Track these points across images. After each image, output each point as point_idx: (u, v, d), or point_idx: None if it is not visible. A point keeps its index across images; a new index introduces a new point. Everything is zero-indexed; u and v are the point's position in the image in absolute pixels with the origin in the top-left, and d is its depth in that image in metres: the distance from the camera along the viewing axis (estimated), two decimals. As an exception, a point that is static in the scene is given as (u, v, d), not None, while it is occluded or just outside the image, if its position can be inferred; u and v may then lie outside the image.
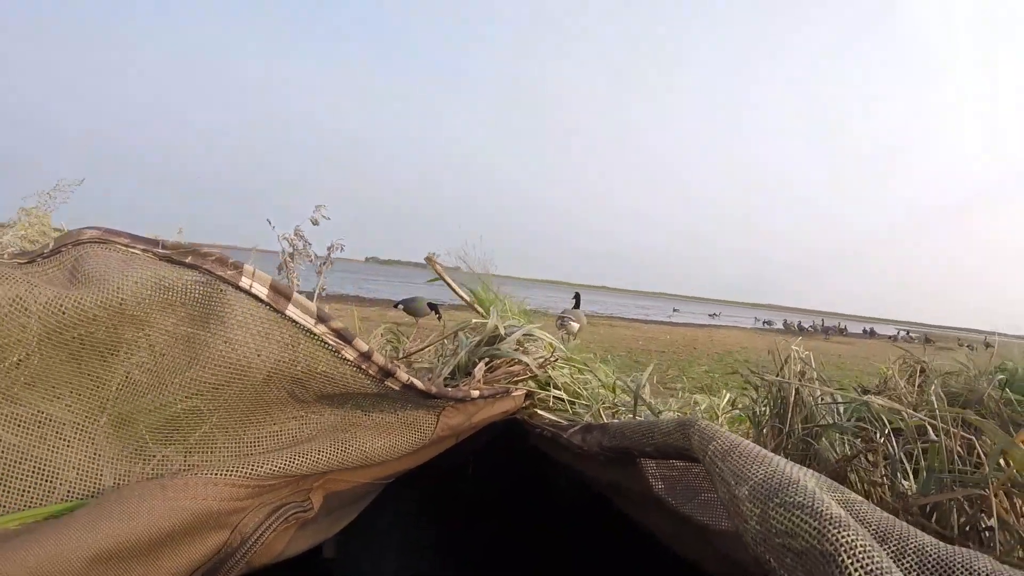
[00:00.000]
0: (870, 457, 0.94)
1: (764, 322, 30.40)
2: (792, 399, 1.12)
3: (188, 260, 0.84)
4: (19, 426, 0.76)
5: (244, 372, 0.85)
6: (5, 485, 0.74)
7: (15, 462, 0.75)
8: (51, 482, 0.76)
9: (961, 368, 1.73)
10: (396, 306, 10.30)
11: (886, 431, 0.98)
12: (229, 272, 0.84)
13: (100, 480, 0.80)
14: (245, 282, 0.84)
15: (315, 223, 1.66)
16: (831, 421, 1.09)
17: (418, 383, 0.97)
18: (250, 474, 0.84)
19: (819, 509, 0.51)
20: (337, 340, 0.89)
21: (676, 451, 0.83)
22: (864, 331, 28.93)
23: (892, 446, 0.95)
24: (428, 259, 1.74)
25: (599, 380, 1.50)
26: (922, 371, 1.96)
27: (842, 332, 25.69)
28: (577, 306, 8.12)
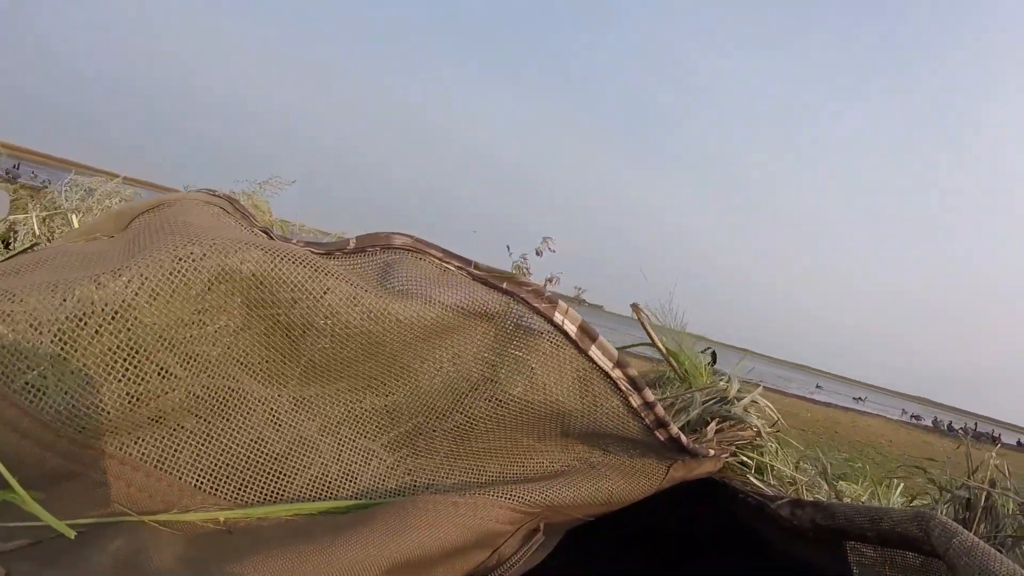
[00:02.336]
0: None
1: (912, 416, 28.34)
2: (981, 505, 1.14)
3: (504, 286, 0.85)
4: (297, 414, 0.82)
5: (535, 403, 0.89)
6: (274, 472, 0.80)
7: (288, 450, 0.81)
8: (316, 474, 0.82)
9: None
10: None
11: None
12: (544, 305, 0.85)
13: (360, 477, 0.85)
14: (558, 317, 0.86)
15: (539, 254, 1.77)
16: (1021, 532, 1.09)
17: (683, 438, 0.99)
18: (529, 501, 0.87)
19: None
20: (629, 386, 0.90)
21: (903, 540, 0.84)
22: (1019, 443, 26.39)
23: None
24: (634, 306, 1.76)
25: (797, 454, 1.55)
26: None
27: (994, 441, 23.43)
28: (713, 364, 7.81)
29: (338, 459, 0.85)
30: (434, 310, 0.81)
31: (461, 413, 0.89)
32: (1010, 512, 1.15)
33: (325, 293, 0.76)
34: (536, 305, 0.86)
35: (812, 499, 1.08)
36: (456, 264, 0.87)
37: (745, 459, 1.41)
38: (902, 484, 1.70)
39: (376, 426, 0.88)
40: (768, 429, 1.48)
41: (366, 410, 0.87)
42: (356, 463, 0.86)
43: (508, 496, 0.85)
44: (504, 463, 0.95)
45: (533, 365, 0.87)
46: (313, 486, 0.82)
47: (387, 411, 0.87)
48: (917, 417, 27.68)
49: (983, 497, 1.15)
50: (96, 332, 0.66)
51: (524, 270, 1.68)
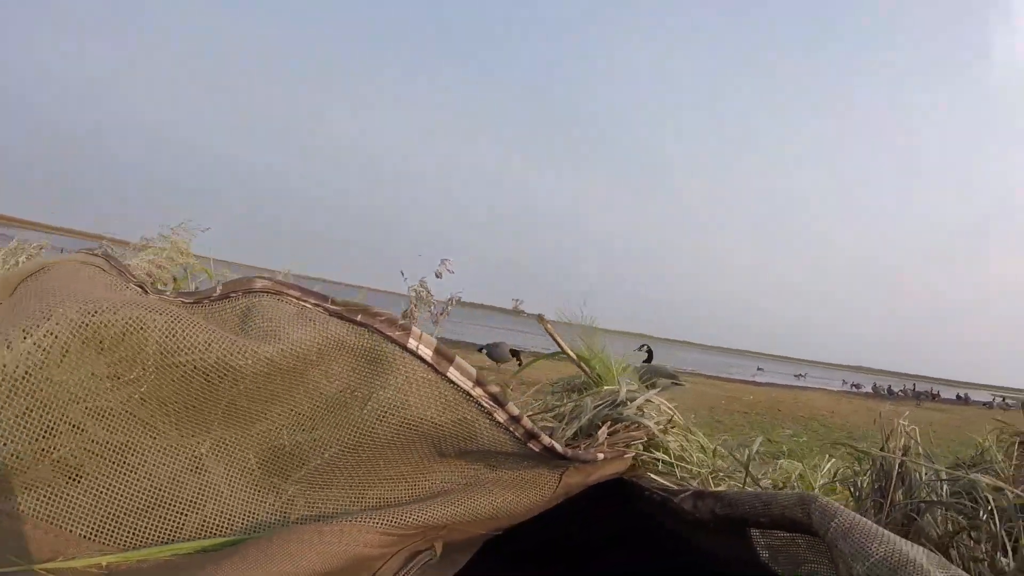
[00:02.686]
0: (972, 534, 0.97)
1: (852, 385, 29.11)
2: (895, 473, 1.13)
3: (359, 318, 0.90)
4: (166, 457, 0.83)
5: (402, 427, 0.91)
6: (149, 514, 0.80)
7: (159, 491, 0.81)
8: (190, 513, 0.83)
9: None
10: (480, 350, 10.36)
11: (989, 508, 0.99)
12: (398, 333, 0.90)
13: (234, 514, 0.86)
14: (412, 343, 0.90)
15: (439, 276, 1.76)
16: (934, 497, 1.10)
17: (558, 446, 1.01)
18: (398, 523, 0.87)
19: None
20: (491, 403, 0.95)
21: (792, 524, 0.86)
22: (958, 397, 27.31)
23: (995, 523, 0.97)
24: (539, 318, 1.79)
25: (700, 444, 1.54)
26: (1022, 443, 1.91)
27: (933, 398, 24.28)
28: (649, 360, 7.99)
29: (233, 497, 0.88)
30: (293, 346, 0.85)
31: (338, 444, 0.92)
32: (924, 478, 1.14)
33: (181, 340, 0.79)
34: (390, 334, 0.90)
35: (712, 490, 1.10)
36: (313, 302, 0.92)
37: (660, 456, 1.40)
38: (832, 459, 1.71)
39: (276, 463, 0.91)
40: (661, 427, 1.46)
41: (264, 448, 0.90)
42: (252, 500, 0.89)
43: (378, 520, 0.87)
44: (383, 488, 0.97)
45: (397, 391, 0.91)
46: (207, 525, 0.85)
47: (273, 447, 0.90)
48: (857, 385, 28.48)
49: (896, 465, 1.15)
50: (9, 393, 0.72)
51: (424, 293, 1.66)
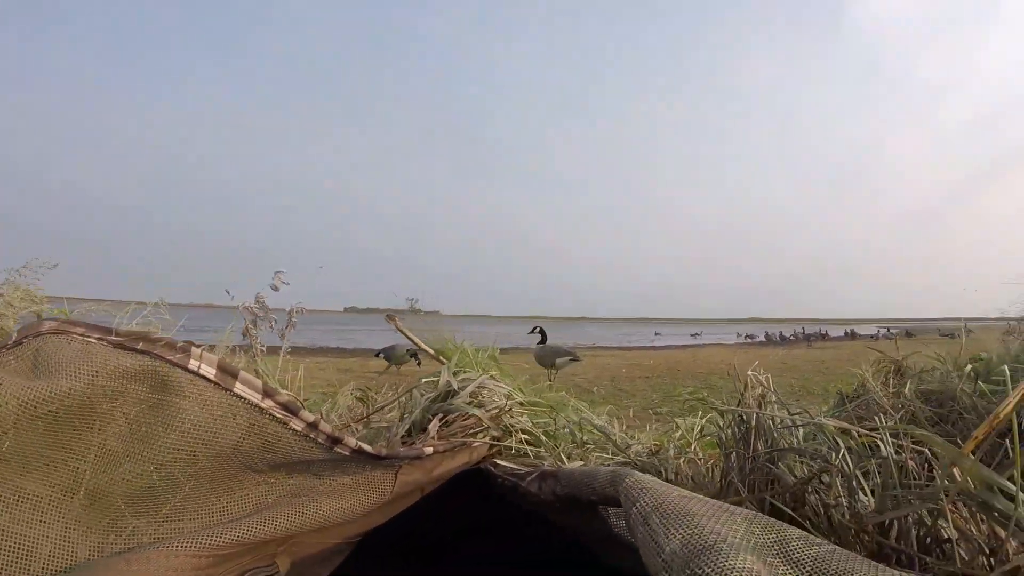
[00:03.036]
0: (825, 478, 0.95)
1: (747, 336, 30.40)
2: (753, 424, 1.13)
3: (140, 347, 0.89)
4: (14, 507, 0.78)
5: (201, 447, 0.90)
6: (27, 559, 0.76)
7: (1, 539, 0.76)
8: (27, 559, 0.77)
9: (935, 364, 1.75)
10: (377, 355, 10.33)
11: (840, 451, 0.98)
12: (178, 356, 0.90)
13: (75, 555, 0.81)
14: (193, 364, 0.90)
15: (275, 289, 1.69)
16: (791, 444, 1.10)
17: (366, 447, 1.00)
18: (210, 544, 0.85)
19: None
20: (284, 413, 0.94)
21: (614, 502, 0.84)
22: (846, 333, 28.92)
23: (847, 466, 0.95)
24: (388, 318, 1.80)
25: (566, 418, 1.50)
26: (898, 371, 1.99)
27: (823, 337, 25.70)
28: (543, 341, 8.13)
29: (74, 538, 0.83)
30: (70, 381, 0.82)
31: (151, 473, 0.89)
32: (778, 426, 1.14)
33: None
34: (170, 358, 0.90)
35: (551, 469, 1.07)
36: (96, 336, 0.91)
37: (510, 443, 1.38)
38: (701, 413, 1.79)
39: (57, 498, 0.84)
40: (492, 413, 1.41)
41: (43, 483, 0.84)
42: (45, 539, 0.82)
43: (186, 543, 0.83)
44: (200, 511, 0.93)
45: (189, 412, 0.89)
46: (47, 568, 0.79)
47: (74, 480, 0.85)
48: (752, 336, 29.73)
49: (752, 418, 1.15)
50: None
51: (260, 308, 1.57)
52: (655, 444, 1.51)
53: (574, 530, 1.10)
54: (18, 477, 0.81)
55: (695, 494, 0.69)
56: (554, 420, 1.48)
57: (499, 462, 1.24)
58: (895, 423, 0.99)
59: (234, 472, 0.94)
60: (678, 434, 1.61)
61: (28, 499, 0.81)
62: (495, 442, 1.32)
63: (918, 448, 0.92)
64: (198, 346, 0.93)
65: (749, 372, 1.24)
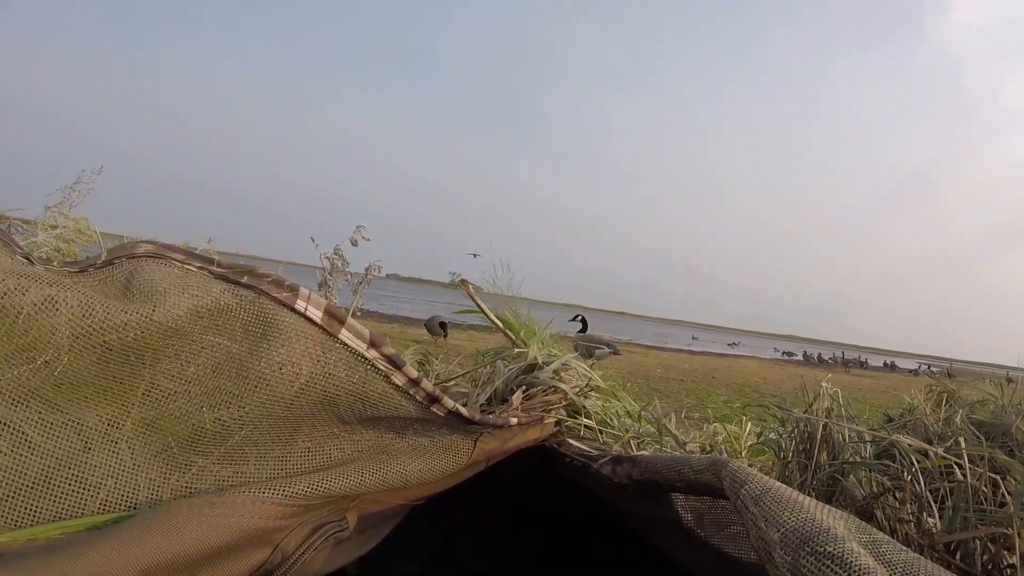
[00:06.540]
0: (897, 495, 0.96)
1: (784, 353, 30.03)
2: (819, 435, 1.14)
3: (244, 280, 0.86)
4: (58, 432, 0.76)
5: (296, 393, 0.87)
6: (44, 492, 0.75)
7: (54, 468, 0.75)
8: (89, 490, 0.77)
9: (988, 397, 1.73)
10: (432, 323, 10.66)
11: (913, 469, 0.99)
12: (285, 294, 0.86)
13: (137, 490, 0.80)
14: (300, 304, 0.87)
15: (354, 244, 1.69)
16: (858, 458, 1.10)
17: (463, 410, 0.99)
18: (295, 493, 0.84)
19: (849, 560, 0.53)
20: (388, 366, 0.92)
21: (706, 488, 0.84)
22: (885, 364, 28.44)
23: (919, 484, 0.96)
24: (462, 283, 1.76)
25: (626, 409, 1.52)
26: (948, 400, 1.96)
27: (862, 365, 25.30)
28: (584, 330, 8.16)
29: (138, 475, 0.81)
30: (167, 308, 0.79)
31: (220, 408, 0.86)
32: (846, 439, 1.15)
33: (58, 309, 0.73)
34: (276, 295, 0.86)
35: (629, 455, 1.07)
36: (197, 265, 0.87)
37: (583, 421, 1.39)
38: (763, 422, 1.76)
39: (119, 432, 0.82)
40: (578, 391, 1.43)
41: (106, 415, 0.81)
42: (160, 477, 0.82)
43: (274, 490, 0.83)
44: (284, 460, 0.92)
45: (287, 354, 0.86)
46: (109, 503, 0.78)
47: (141, 415, 0.82)
48: (789, 353, 29.36)
49: (820, 427, 1.15)
50: None
51: (338, 261, 1.59)
52: (709, 444, 1.52)
53: (638, 516, 1.11)
54: (80, 408, 0.80)
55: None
56: (624, 406, 1.50)
57: (570, 440, 1.25)
58: (983, 447, 0.99)
59: (320, 422, 0.93)
60: (720, 437, 1.61)
61: (91, 430, 0.80)
62: (567, 419, 1.34)
63: (992, 474, 0.93)
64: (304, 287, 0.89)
65: (823, 383, 1.23)
